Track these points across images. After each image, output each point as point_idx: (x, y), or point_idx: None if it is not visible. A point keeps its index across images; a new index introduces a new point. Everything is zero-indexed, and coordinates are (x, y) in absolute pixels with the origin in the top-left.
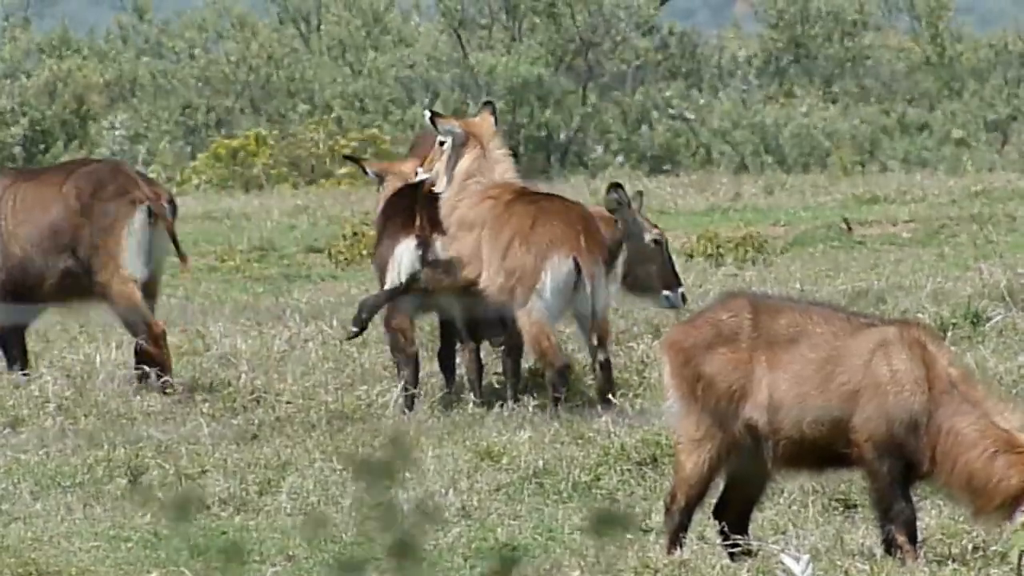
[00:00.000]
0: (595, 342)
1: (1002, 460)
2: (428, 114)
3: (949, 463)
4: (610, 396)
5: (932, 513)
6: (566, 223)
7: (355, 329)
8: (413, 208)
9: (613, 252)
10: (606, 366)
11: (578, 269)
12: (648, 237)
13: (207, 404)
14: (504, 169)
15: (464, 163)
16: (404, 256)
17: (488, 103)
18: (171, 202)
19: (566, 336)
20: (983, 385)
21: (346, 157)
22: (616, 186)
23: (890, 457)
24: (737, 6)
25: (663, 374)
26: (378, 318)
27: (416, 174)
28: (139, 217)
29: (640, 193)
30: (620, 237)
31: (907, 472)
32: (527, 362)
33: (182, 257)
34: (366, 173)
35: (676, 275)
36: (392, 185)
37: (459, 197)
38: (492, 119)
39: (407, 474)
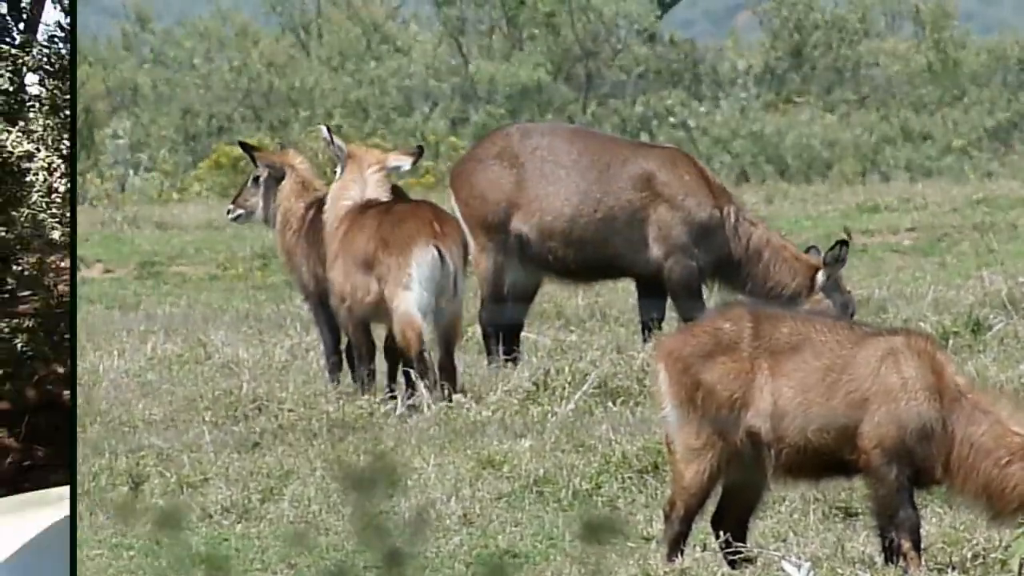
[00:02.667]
0: (445, 337)
1: (1018, 466)
2: (325, 129)
3: (965, 470)
4: (453, 393)
5: (932, 521)
6: (418, 218)
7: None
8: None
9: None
10: (449, 365)
11: (441, 256)
12: (839, 300)
13: (209, 412)
14: (374, 193)
15: (338, 183)
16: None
17: (419, 147)
18: None
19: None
20: (990, 392)
21: (241, 144)
22: (844, 243)
23: (899, 463)
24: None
25: (658, 383)
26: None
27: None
28: None
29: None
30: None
31: (914, 479)
32: (529, 371)
33: None
34: (256, 165)
35: None
36: (292, 179)
37: (328, 215)
38: (404, 158)
39: (407, 482)
